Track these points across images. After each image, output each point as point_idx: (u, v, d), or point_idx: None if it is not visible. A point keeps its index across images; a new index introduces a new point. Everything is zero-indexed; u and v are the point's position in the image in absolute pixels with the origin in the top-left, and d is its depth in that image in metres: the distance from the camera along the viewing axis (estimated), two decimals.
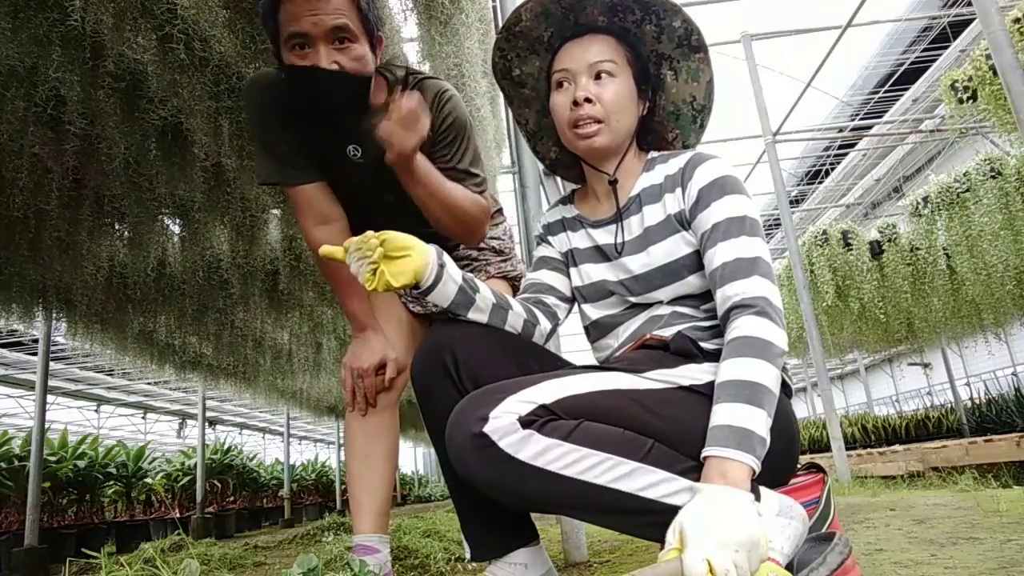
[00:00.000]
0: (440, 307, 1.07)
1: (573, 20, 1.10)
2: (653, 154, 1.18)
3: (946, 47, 7.42)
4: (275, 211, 3.37)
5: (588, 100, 1.07)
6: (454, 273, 1.06)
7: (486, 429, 0.86)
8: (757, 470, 0.84)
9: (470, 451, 0.87)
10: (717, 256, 1.00)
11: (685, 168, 1.10)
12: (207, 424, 8.61)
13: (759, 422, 0.86)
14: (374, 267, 0.99)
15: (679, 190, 1.09)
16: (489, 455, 0.86)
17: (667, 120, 1.19)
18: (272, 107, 1.27)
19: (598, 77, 1.08)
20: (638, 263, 1.10)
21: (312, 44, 1.17)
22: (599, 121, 1.08)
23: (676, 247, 1.08)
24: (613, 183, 1.14)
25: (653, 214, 1.11)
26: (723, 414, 0.87)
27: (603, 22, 1.10)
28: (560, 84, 1.10)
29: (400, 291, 1.02)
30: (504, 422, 0.86)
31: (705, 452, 0.86)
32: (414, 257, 1.01)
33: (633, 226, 1.13)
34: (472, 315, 1.09)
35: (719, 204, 1.03)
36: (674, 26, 1.09)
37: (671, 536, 0.77)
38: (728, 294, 0.97)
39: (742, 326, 0.93)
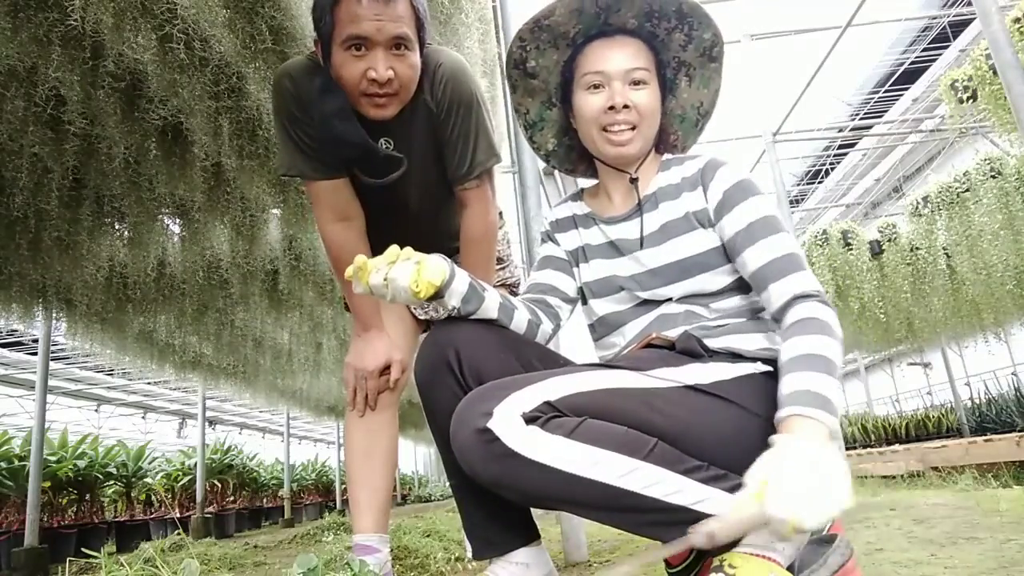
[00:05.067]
0: (450, 307, 1.07)
1: (604, 19, 1.11)
2: (668, 156, 1.21)
3: (946, 47, 7.42)
4: (275, 211, 3.37)
5: (626, 107, 1.08)
6: (461, 271, 1.08)
7: (490, 424, 0.86)
8: (836, 432, 0.85)
9: (474, 446, 0.88)
10: (760, 254, 1.03)
11: (704, 170, 1.13)
12: (207, 424, 8.60)
13: (834, 393, 0.87)
14: (417, 267, 1.01)
15: (699, 190, 1.12)
16: (492, 450, 0.86)
17: (672, 122, 1.21)
18: (321, 102, 1.24)
19: (634, 83, 1.09)
20: (655, 257, 1.12)
21: (371, 48, 1.16)
22: (633, 127, 1.10)
23: (695, 243, 1.10)
24: (634, 180, 1.16)
25: (671, 211, 1.13)
26: (802, 380, 0.88)
27: (633, 25, 1.11)
28: (594, 86, 1.11)
29: (418, 301, 1.03)
30: (508, 418, 0.86)
31: (787, 412, 0.86)
32: (429, 258, 1.04)
33: (651, 222, 1.15)
34: (481, 313, 1.10)
35: (748, 204, 1.06)
36: (704, 37, 1.11)
37: (751, 483, 0.77)
38: (786, 288, 0.99)
39: (807, 310, 0.96)
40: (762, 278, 1.02)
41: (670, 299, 1.11)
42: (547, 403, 0.89)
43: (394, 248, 1.03)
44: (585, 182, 1.32)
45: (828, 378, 0.88)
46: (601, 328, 1.20)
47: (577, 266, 1.25)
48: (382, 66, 1.16)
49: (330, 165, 1.33)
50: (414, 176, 1.38)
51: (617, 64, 1.09)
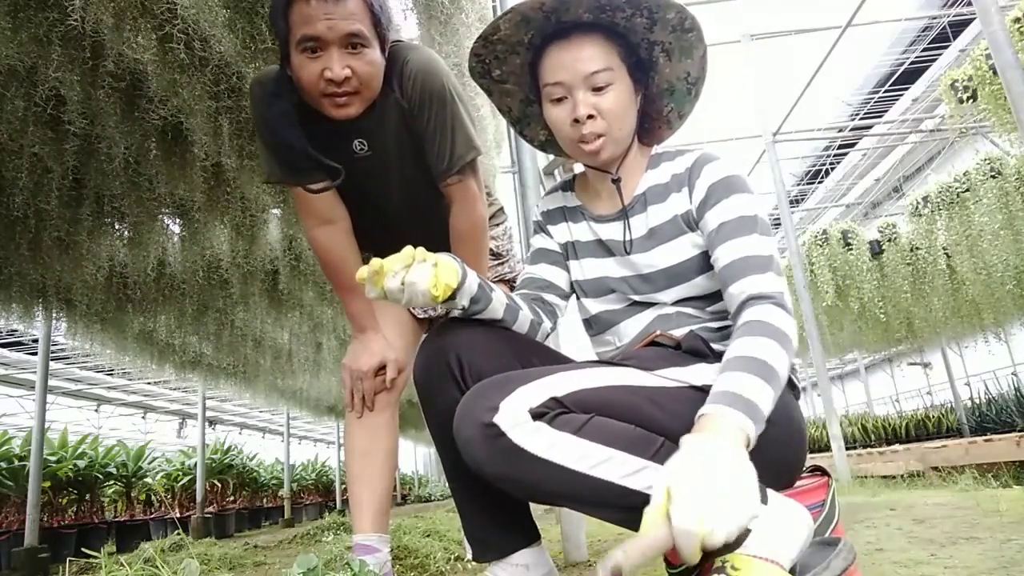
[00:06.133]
0: (460, 307, 1.06)
1: (556, 20, 1.04)
2: (658, 149, 1.15)
3: (946, 47, 7.41)
4: (275, 211, 3.37)
5: (591, 116, 1.03)
6: (471, 270, 1.07)
7: (496, 419, 0.85)
8: (752, 441, 0.78)
9: (479, 441, 0.86)
10: (727, 253, 0.98)
11: (692, 167, 1.08)
12: (207, 424, 8.61)
13: (765, 399, 0.81)
14: (435, 269, 0.98)
15: (685, 189, 1.07)
16: (498, 445, 0.85)
17: (662, 96, 1.14)
18: (276, 107, 1.26)
19: (596, 88, 1.03)
20: (643, 263, 1.09)
21: (325, 48, 1.16)
22: (602, 135, 1.04)
23: (682, 250, 1.07)
24: (616, 182, 1.11)
25: (659, 214, 1.09)
26: (730, 381, 0.82)
27: (589, 19, 1.04)
28: (556, 98, 1.05)
29: (435, 304, 1.02)
30: (515, 412, 0.85)
31: (703, 410, 0.80)
32: (442, 258, 1.01)
33: (638, 225, 1.11)
34: (487, 313, 1.08)
35: (728, 202, 1.02)
36: (667, 18, 1.04)
37: (658, 493, 0.71)
38: (742, 288, 0.95)
39: (758, 313, 0.91)
40: (723, 279, 0.98)
41: (664, 302, 1.09)
42: (554, 399, 0.87)
43: (408, 249, 1.00)
44: (578, 167, 1.26)
45: (760, 383, 0.82)
46: (596, 326, 1.18)
47: (568, 260, 1.23)
48: (337, 65, 1.16)
49: (304, 170, 1.33)
50: (394, 175, 1.38)
51: (576, 72, 1.02)
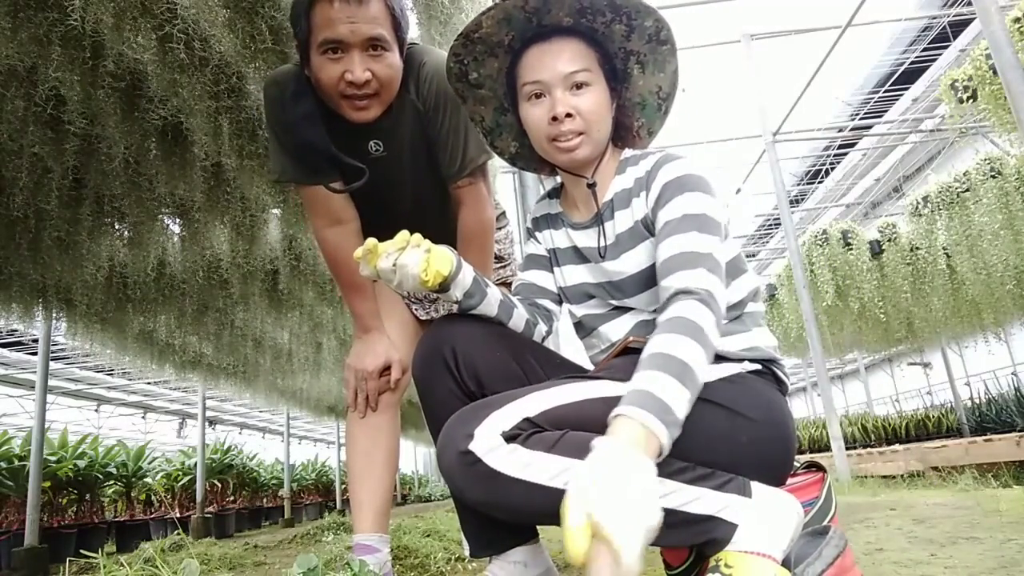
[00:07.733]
0: (453, 299, 1.07)
1: (536, 22, 1.06)
2: (627, 153, 1.16)
3: (946, 47, 7.41)
4: (275, 211, 3.37)
5: (568, 115, 1.04)
6: (467, 264, 1.08)
7: (471, 446, 0.86)
8: (665, 450, 0.78)
9: (458, 468, 0.88)
10: (664, 250, 0.97)
11: (652, 169, 1.08)
12: (207, 424, 8.60)
13: (681, 403, 0.80)
14: (428, 255, 1.00)
15: (644, 193, 1.07)
16: (476, 471, 0.86)
17: (633, 110, 1.16)
18: (300, 107, 1.25)
19: (575, 87, 1.05)
20: (613, 270, 1.10)
21: (346, 50, 1.16)
22: (580, 133, 1.05)
23: (645, 255, 1.07)
24: (592, 186, 1.11)
25: (623, 220, 1.10)
26: (648, 381, 0.80)
27: (569, 23, 1.06)
28: (534, 96, 1.07)
29: (425, 289, 1.03)
30: (488, 438, 0.87)
31: (616, 411, 0.78)
32: (437, 246, 1.03)
33: (608, 232, 1.12)
34: (482, 309, 1.09)
35: (677, 201, 1.01)
36: (645, 26, 1.06)
37: (576, 516, 0.66)
38: (670, 284, 0.93)
39: (681, 308, 0.89)
40: (658, 276, 0.98)
41: (641, 308, 1.09)
42: (527, 419, 0.89)
43: (404, 233, 1.02)
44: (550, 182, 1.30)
45: (675, 383, 0.80)
46: (583, 329, 1.20)
47: (552, 267, 1.24)
48: (359, 68, 1.16)
49: (320, 170, 1.33)
50: (407, 175, 1.39)
51: (555, 70, 1.04)
